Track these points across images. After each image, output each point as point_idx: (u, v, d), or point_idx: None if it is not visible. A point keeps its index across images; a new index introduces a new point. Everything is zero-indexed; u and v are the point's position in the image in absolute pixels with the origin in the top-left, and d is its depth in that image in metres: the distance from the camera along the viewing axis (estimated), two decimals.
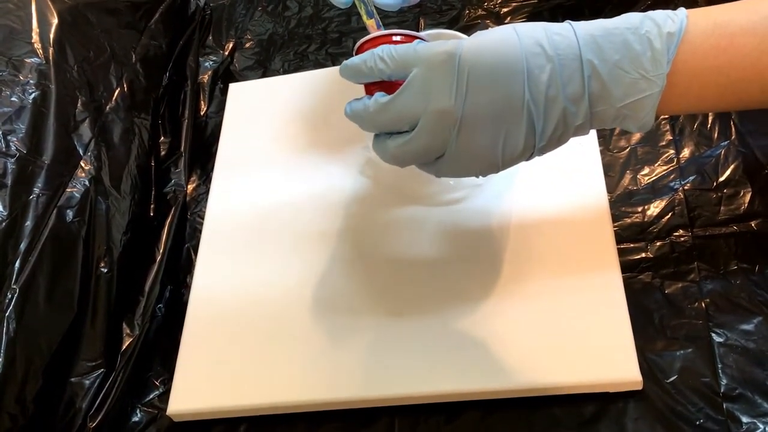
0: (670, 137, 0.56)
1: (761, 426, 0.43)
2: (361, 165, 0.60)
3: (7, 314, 0.48)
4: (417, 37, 0.46)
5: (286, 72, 0.72)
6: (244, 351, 0.53)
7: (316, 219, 0.58)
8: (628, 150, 0.56)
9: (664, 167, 0.55)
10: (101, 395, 0.52)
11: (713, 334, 0.47)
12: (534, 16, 0.67)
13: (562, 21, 0.43)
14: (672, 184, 0.54)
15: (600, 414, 0.46)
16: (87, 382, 0.52)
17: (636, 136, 0.57)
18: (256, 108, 0.68)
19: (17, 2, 0.62)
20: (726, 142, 0.54)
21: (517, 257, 0.52)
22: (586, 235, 0.51)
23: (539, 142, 0.42)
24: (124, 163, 0.62)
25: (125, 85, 0.66)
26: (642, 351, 0.47)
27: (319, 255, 0.56)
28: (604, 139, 0.57)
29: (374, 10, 0.50)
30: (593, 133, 0.56)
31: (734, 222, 0.51)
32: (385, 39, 0.46)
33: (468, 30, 0.65)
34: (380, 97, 0.43)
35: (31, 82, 0.58)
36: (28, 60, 0.59)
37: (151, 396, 0.55)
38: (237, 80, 0.73)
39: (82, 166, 0.58)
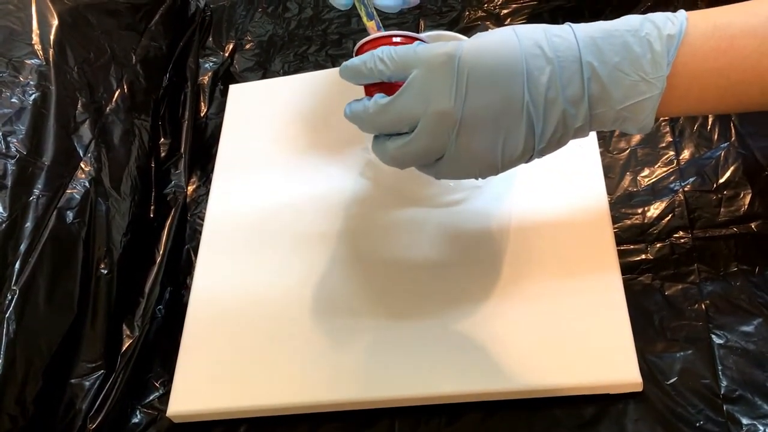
0: (670, 139, 0.56)
1: (761, 428, 0.43)
2: (360, 166, 0.60)
3: (7, 315, 0.48)
4: (417, 39, 0.46)
5: (286, 73, 0.72)
6: (244, 352, 0.53)
7: (316, 220, 0.58)
8: (628, 152, 0.56)
9: (664, 169, 0.55)
10: (101, 396, 0.52)
11: (713, 336, 0.47)
12: (534, 17, 0.67)
13: (562, 23, 0.43)
14: (672, 185, 0.54)
15: (600, 415, 0.46)
16: (87, 383, 0.52)
17: (636, 138, 0.57)
18: (256, 109, 0.68)
19: (17, 3, 0.62)
20: (726, 144, 0.54)
21: (517, 259, 0.52)
22: (586, 236, 0.51)
23: (539, 144, 0.42)
24: (124, 165, 0.62)
25: (125, 87, 0.66)
26: (642, 352, 0.47)
27: (319, 256, 0.56)
28: (604, 140, 0.57)
29: (374, 12, 0.51)
30: (593, 134, 0.56)
31: (734, 223, 0.51)
32: (385, 40, 0.46)
33: (468, 31, 0.65)
34: (380, 98, 0.43)
35: (32, 83, 0.58)
36: (28, 61, 0.59)
37: (151, 397, 0.55)
38: (237, 81, 0.73)
39: (82, 168, 0.58)
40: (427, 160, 0.44)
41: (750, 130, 0.54)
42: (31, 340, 0.49)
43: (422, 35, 0.47)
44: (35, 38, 0.60)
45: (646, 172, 0.55)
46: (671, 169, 0.54)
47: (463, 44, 0.42)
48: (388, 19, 0.69)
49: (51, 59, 0.60)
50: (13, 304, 0.49)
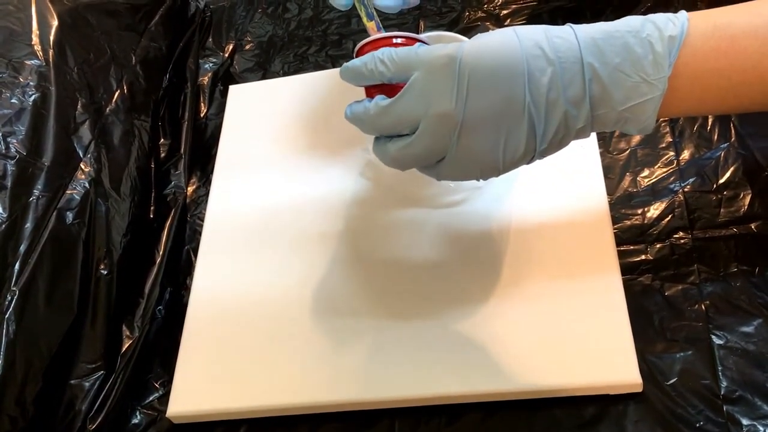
0: (670, 139, 0.56)
1: (761, 428, 0.43)
2: (361, 167, 0.60)
3: (6, 316, 0.48)
4: (417, 40, 0.46)
5: (286, 74, 0.72)
6: (244, 353, 0.53)
7: (316, 221, 0.58)
8: (628, 152, 0.56)
9: (664, 169, 0.55)
10: (101, 397, 0.52)
11: (713, 336, 0.47)
12: (534, 18, 0.67)
13: (562, 23, 0.43)
14: (672, 186, 0.54)
15: (600, 416, 0.46)
16: (87, 384, 0.52)
17: (636, 139, 0.57)
18: (256, 110, 0.68)
19: (17, 4, 0.62)
20: (726, 144, 0.54)
21: (517, 259, 0.52)
22: (586, 237, 0.51)
23: (540, 145, 0.42)
24: (123, 165, 0.62)
25: (125, 87, 0.66)
26: (642, 353, 0.47)
27: (319, 256, 0.56)
28: (604, 141, 0.57)
29: (374, 12, 0.50)
30: (593, 135, 0.56)
31: (734, 224, 0.51)
32: (386, 41, 0.46)
33: (468, 32, 0.65)
34: (381, 100, 0.43)
35: (31, 83, 0.58)
36: (28, 62, 0.59)
37: (150, 398, 0.55)
38: (237, 82, 0.73)
39: (82, 168, 0.58)
40: (428, 161, 0.44)
41: (750, 130, 0.54)
42: (31, 340, 0.49)
43: (422, 36, 0.47)
44: (35, 39, 0.60)
45: (646, 172, 0.55)
46: (671, 170, 0.54)
47: (464, 46, 0.42)
48: (387, 20, 0.69)
49: (51, 60, 0.60)
50: (12, 305, 0.49)
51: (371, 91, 0.45)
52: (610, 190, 0.55)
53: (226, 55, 0.76)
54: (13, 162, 0.53)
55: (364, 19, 0.50)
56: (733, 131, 0.54)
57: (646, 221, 0.53)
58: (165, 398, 0.53)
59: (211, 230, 0.61)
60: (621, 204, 0.54)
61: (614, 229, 0.52)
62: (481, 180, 0.45)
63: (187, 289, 0.59)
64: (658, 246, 0.51)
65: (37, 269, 0.51)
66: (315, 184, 0.60)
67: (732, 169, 0.53)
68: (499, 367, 0.48)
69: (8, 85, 0.56)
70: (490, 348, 0.48)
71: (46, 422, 0.50)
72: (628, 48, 0.40)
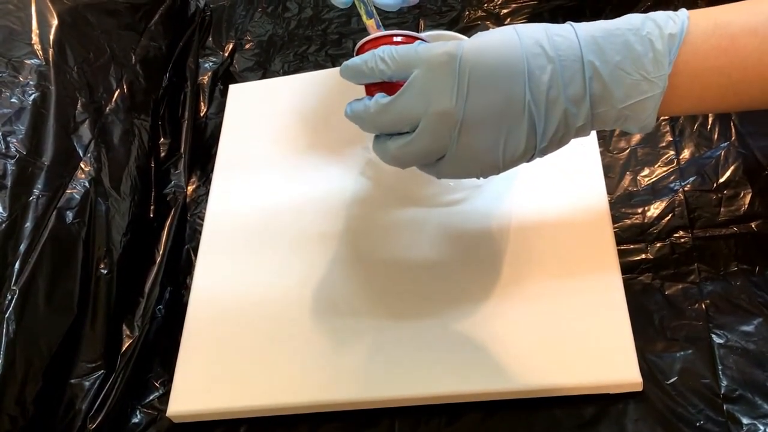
0: (670, 138, 0.56)
1: (761, 427, 0.43)
2: (361, 166, 0.60)
3: (6, 316, 0.48)
4: (418, 38, 0.46)
5: (286, 73, 0.72)
6: (244, 352, 0.53)
7: (317, 220, 0.58)
8: (628, 151, 0.56)
9: (664, 168, 0.55)
10: (101, 397, 0.52)
11: (713, 336, 0.47)
12: (534, 17, 0.67)
13: (563, 22, 0.43)
14: (672, 185, 0.54)
15: (600, 415, 0.46)
16: (87, 383, 0.52)
17: (636, 138, 0.57)
18: (256, 109, 0.68)
19: (17, 3, 0.62)
20: (726, 143, 0.54)
21: (517, 258, 0.52)
22: (586, 236, 0.51)
23: (540, 143, 0.42)
24: (123, 165, 0.62)
25: (125, 87, 0.66)
26: (642, 352, 0.47)
27: (319, 256, 0.56)
28: (604, 140, 0.57)
29: (374, 11, 0.50)
30: (593, 134, 0.56)
31: (734, 223, 0.51)
32: (386, 40, 0.46)
33: (468, 31, 0.65)
34: (381, 98, 0.43)
35: (31, 83, 0.58)
36: (27, 61, 0.59)
37: (151, 397, 0.55)
38: (237, 81, 0.73)
39: (81, 168, 0.58)
40: (428, 159, 0.44)
41: (750, 129, 0.54)
42: (31, 340, 0.49)
43: (422, 35, 0.47)
44: (35, 38, 0.60)
45: (646, 171, 0.55)
46: (671, 169, 0.54)
47: (464, 44, 0.42)
48: (387, 19, 0.69)
49: (51, 59, 0.60)
50: (12, 305, 0.49)
51: (371, 89, 0.45)
52: (611, 189, 0.54)
53: (226, 54, 0.76)
54: (13, 161, 0.53)
55: (364, 18, 0.50)
56: (733, 130, 0.54)
57: (646, 220, 0.53)
58: (165, 397, 0.53)
59: (211, 229, 0.61)
60: (621, 203, 0.54)
61: (614, 228, 0.52)
62: (481, 178, 0.45)
63: (187, 288, 0.59)
64: (658, 245, 0.51)
65: (37, 268, 0.51)
66: (315, 183, 0.60)
67: (732, 168, 0.53)
68: (499, 366, 0.47)
69: (8, 84, 0.56)
70: (490, 347, 0.48)
71: (46, 421, 0.50)
72: (629, 46, 0.40)
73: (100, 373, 0.53)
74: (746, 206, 0.51)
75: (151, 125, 0.67)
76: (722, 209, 0.51)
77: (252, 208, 0.61)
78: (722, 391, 0.45)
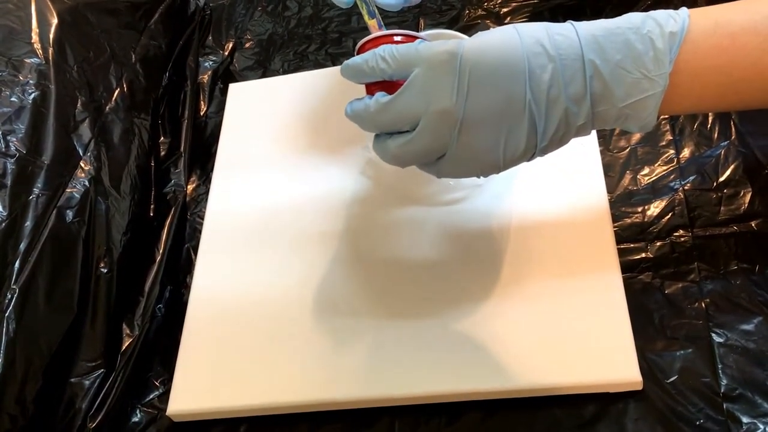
0: (670, 137, 0.56)
1: (761, 426, 0.43)
2: (361, 165, 0.60)
3: (6, 315, 0.48)
4: (418, 38, 0.46)
5: (285, 72, 0.72)
6: (244, 351, 0.53)
7: (317, 219, 0.58)
8: (628, 150, 0.56)
9: (664, 167, 0.55)
10: (101, 396, 0.52)
11: (713, 335, 0.47)
12: (534, 16, 0.67)
13: (563, 21, 0.43)
14: (672, 184, 0.54)
15: (600, 414, 0.46)
16: (87, 382, 0.52)
17: (636, 137, 0.57)
18: (256, 108, 0.68)
19: (17, 2, 0.62)
20: (726, 142, 0.54)
21: (517, 257, 0.52)
22: (586, 235, 0.51)
23: (541, 142, 0.42)
24: (123, 164, 0.62)
25: (125, 86, 0.66)
26: (642, 351, 0.47)
27: (319, 255, 0.56)
28: (604, 139, 0.57)
29: (376, 10, 0.50)
30: (593, 133, 0.56)
31: (734, 222, 0.51)
32: (387, 39, 0.46)
33: (468, 30, 0.65)
34: (381, 96, 0.43)
35: (31, 82, 0.58)
36: (27, 60, 0.59)
37: (150, 396, 0.55)
38: (237, 80, 0.73)
39: (81, 167, 0.58)
40: (428, 158, 0.44)
41: (750, 128, 0.54)
42: (31, 339, 0.49)
43: (423, 34, 0.47)
44: (35, 37, 0.60)
45: (646, 170, 0.55)
46: (671, 168, 0.54)
47: (465, 43, 0.42)
48: (388, 18, 0.69)
49: (50, 58, 0.60)
50: (12, 303, 0.49)
51: (372, 88, 0.45)
52: (611, 188, 0.54)
53: (226, 53, 0.76)
54: (12, 160, 0.53)
55: (366, 17, 0.50)
56: (733, 129, 0.54)
57: (646, 219, 0.53)
58: (165, 396, 0.53)
59: (211, 228, 0.61)
60: (621, 202, 0.54)
61: (614, 227, 0.52)
62: (481, 177, 0.45)
63: (187, 287, 0.59)
64: (658, 244, 0.51)
65: (37, 267, 0.51)
66: (315, 182, 0.60)
67: (732, 167, 0.53)
68: (499, 365, 0.47)
69: (8, 83, 0.56)
70: (490, 346, 0.48)
71: (46, 421, 0.50)
72: (629, 44, 0.40)
73: (100, 372, 0.53)
74: (746, 205, 0.51)
75: (151, 124, 0.67)
76: (722, 208, 0.51)
77: (252, 207, 0.61)
78: (722, 390, 0.45)
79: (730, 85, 0.41)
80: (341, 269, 0.55)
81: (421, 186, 0.57)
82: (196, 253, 0.60)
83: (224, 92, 0.71)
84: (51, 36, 0.61)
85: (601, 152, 0.56)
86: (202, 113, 0.72)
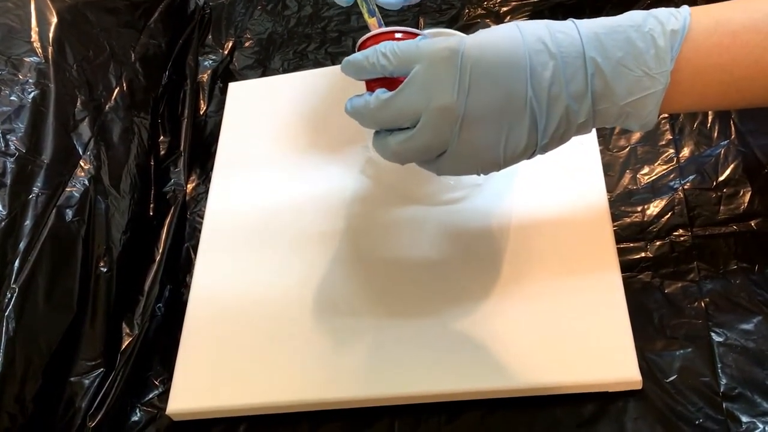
0: (669, 136, 0.56)
1: (761, 425, 0.43)
2: (361, 164, 0.60)
3: (6, 314, 0.48)
4: (419, 35, 0.46)
5: (285, 71, 0.72)
6: (243, 350, 0.53)
7: (317, 219, 0.58)
8: (627, 149, 0.56)
9: (664, 167, 0.55)
10: (101, 395, 0.52)
11: (713, 334, 0.47)
12: (534, 15, 0.67)
13: (563, 20, 0.43)
14: (672, 183, 0.54)
15: (600, 414, 0.46)
16: (86, 381, 0.52)
17: (636, 136, 0.57)
18: (256, 107, 0.68)
19: (16, 1, 0.62)
20: (726, 142, 0.54)
21: (516, 257, 0.52)
22: (586, 234, 0.51)
23: (541, 139, 0.42)
24: (123, 163, 0.62)
25: (125, 85, 0.66)
26: (641, 351, 0.47)
27: (319, 254, 0.56)
28: (604, 138, 0.57)
29: (376, 9, 0.50)
30: (593, 132, 0.56)
31: (734, 221, 0.51)
32: (387, 36, 0.46)
33: (467, 29, 0.65)
34: (381, 93, 0.43)
35: (31, 81, 0.57)
36: (27, 59, 0.59)
37: (150, 395, 0.55)
38: (236, 79, 0.73)
39: (81, 166, 0.58)
40: (428, 155, 0.44)
41: (750, 127, 0.54)
42: (31, 338, 0.49)
43: (424, 32, 0.47)
44: (34, 36, 0.60)
45: (646, 170, 0.55)
46: (671, 167, 0.54)
47: (466, 39, 0.42)
48: (388, 17, 0.69)
49: (50, 57, 0.60)
50: (12, 303, 0.49)
51: (372, 85, 0.45)
52: (610, 188, 0.54)
53: (226, 52, 0.76)
54: (12, 159, 0.53)
55: (366, 16, 0.50)
56: (733, 128, 0.54)
57: (645, 219, 0.53)
58: (165, 396, 0.53)
59: (210, 228, 0.61)
60: (621, 201, 0.54)
61: (614, 226, 0.52)
62: (481, 175, 0.45)
63: (187, 286, 0.59)
64: (657, 243, 0.51)
65: (37, 267, 0.51)
66: (315, 181, 0.60)
67: (732, 166, 0.53)
68: (499, 364, 0.48)
69: (7, 82, 0.56)
70: (490, 346, 0.48)
71: (45, 420, 0.50)
72: (631, 42, 0.40)
73: (99, 371, 0.53)
74: (746, 204, 0.51)
75: (150, 123, 0.67)
76: (722, 207, 0.51)
77: (252, 206, 0.61)
78: (721, 390, 0.45)
79: (732, 83, 0.41)
80: (341, 268, 0.55)
81: (421, 185, 0.57)
82: (195, 253, 0.60)
83: (224, 91, 0.71)
84: (50, 35, 0.61)
85: (601, 151, 0.56)
86: (201, 112, 0.72)
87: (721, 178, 0.53)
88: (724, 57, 0.40)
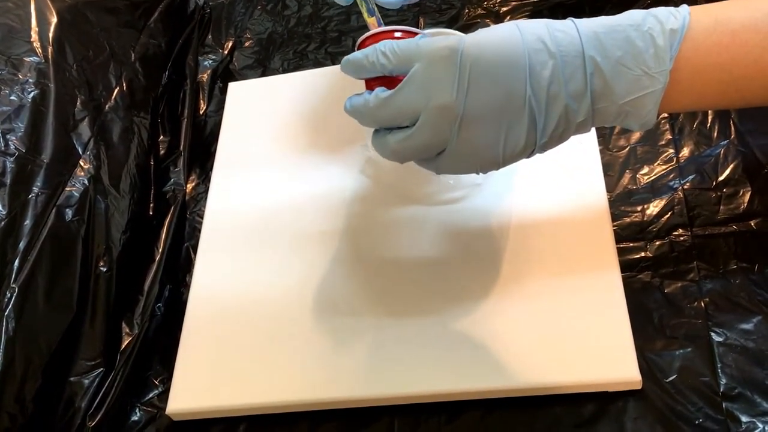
0: (669, 136, 0.56)
1: (760, 425, 0.43)
2: (360, 164, 0.60)
3: (6, 313, 0.48)
4: (419, 34, 0.46)
5: (285, 71, 0.72)
6: (243, 350, 0.53)
7: (316, 218, 0.58)
8: (627, 149, 0.56)
9: (664, 166, 0.55)
10: (100, 394, 0.52)
11: (712, 334, 0.47)
12: (534, 15, 0.67)
13: (563, 19, 0.43)
14: (671, 183, 0.54)
15: (599, 413, 0.46)
16: (86, 381, 0.52)
17: (635, 136, 0.57)
18: (256, 107, 0.68)
19: (16, 1, 0.62)
20: (725, 142, 0.54)
21: (516, 256, 0.52)
22: (586, 234, 0.51)
23: (540, 138, 0.42)
24: (123, 162, 0.62)
25: (124, 84, 0.66)
26: (641, 350, 0.47)
27: (319, 254, 0.56)
28: (604, 138, 0.57)
29: (375, 8, 0.50)
30: (593, 131, 0.56)
31: (734, 221, 0.51)
32: (387, 35, 0.46)
33: (467, 29, 0.65)
34: (381, 92, 0.43)
35: (30, 80, 0.57)
36: (27, 59, 0.59)
37: (150, 395, 0.55)
38: (236, 79, 0.73)
39: (81, 165, 0.58)
40: (428, 154, 0.44)
41: (750, 127, 0.54)
42: (31, 338, 0.49)
43: (423, 32, 0.47)
44: (34, 36, 0.60)
45: (646, 169, 0.55)
46: (671, 167, 0.54)
47: (466, 38, 0.42)
48: (387, 17, 0.69)
49: (50, 57, 0.60)
50: (12, 302, 0.49)
51: (372, 83, 0.45)
52: (610, 188, 0.54)
53: (226, 52, 0.76)
54: (12, 159, 0.53)
55: (365, 15, 0.50)
56: (732, 128, 0.54)
57: (645, 218, 0.53)
58: (164, 395, 0.53)
59: (210, 227, 0.61)
60: (620, 201, 0.54)
61: (614, 226, 0.52)
62: (480, 174, 0.45)
63: (187, 286, 0.59)
64: (657, 243, 0.51)
65: (37, 266, 0.51)
66: (314, 181, 0.60)
67: (732, 166, 0.53)
68: (499, 364, 0.48)
69: (7, 82, 0.56)
70: (490, 345, 0.48)
71: (45, 419, 0.50)
72: (630, 41, 0.40)
73: (99, 371, 0.53)
74: (745, 204, 0.51)
75: (150, 123, 0.67)
76: (721, 207, 0.51)
77: (251, 206, 0.61)
78: (721, 389, 0.45)
79: (731, 83, 0.41)
80: (341, 268, 0.55)
81: (420, 185, 0.57)
82: (195, 252, 0.60)
83: (224, 91, 0.71)
84: (50, 35, 0.61)
85: (601, 151, 0.56)
86: (201, 112, 0.72)
87: (720, 178, 0.53)
88: (724, 56, 0.40)
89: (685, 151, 0.55)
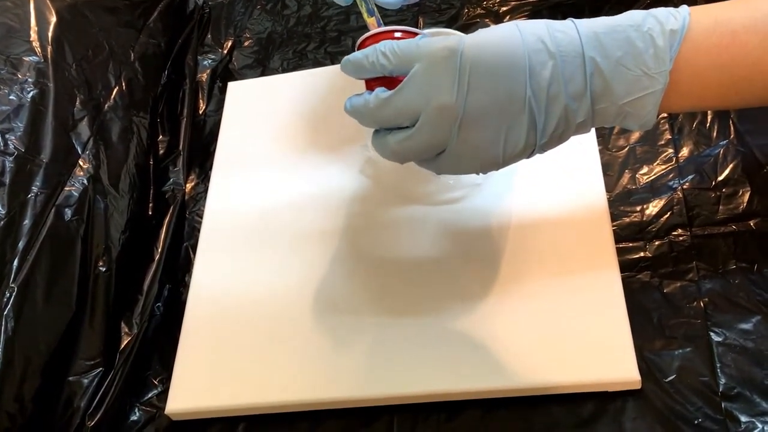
0: (669, 136, 0.56)
1: (760, 425, 0.43)
2: (360, 164, 0.60)
3: (5, 313, 0.48)
4: (419, 34, 0.46)
5: (285, 71, 0.72)
6: (242, 350, 0.53)
7: (316, 218, 0.58)
8: (626, 149, 0.56)
9: (663, 166, 0.55)
10: (99, 394, 0.52)
11: (712, 334, 0.47)
12: (534, 15, 0.67)
13: (562, 20, 0.43)
14: (671, 183, 0.54)
15: (598, 413, 0.46)
16: (85, 381, 0.52)
17: (635, 136, 0.57)
18: (255, 107, 0.68)
19: (16, 0, 0.62)
20: (725, 142, 0.54)
21: (516, 256, 0.52)
22: (585, 234, 0.51)
23: (540, 139, 0.42)
24: (122, 162, 0.62)
25: (124, 84, 0.66)
26: (640, 350, 0.47)
27: (319, 254, 0.56)
28: (603, 138, 0.57)
29: (375, 8, 0.50)
30: (592, 132, 0.56)
31: (733, 221, 0.51)
32: (387, 35, 0.46)
33: (467, 29, 0.65)
34: (381, 92, 0.43)
35: (30, 80, 0.57)
36: (26, 58, 0.59)
37: (149, 395, 0.55)
38: (236, 79, 0.73)
39: (80, 165, 0.58)
40: (428, 154, 0.44)
41: (749, 127, 0.54)
42: (30, 337, 0.49)
43: (423, 32, 0.47)
44: (33, 35, 0.60)
45: (645, 169, 0.55)
46: (670, 167, 0.54)
47: (466, 39, 0.42)
48: (387, 17, 0.69)
49: (49, 56, 0.60)
50: (11, 302, 0.49)
51: (372, 84, 0.45)
52: (609, 188, 0.55)
53: (225, 51, 0.75)
54: (11, 159, 0.53)
55: (365, 15, 0.50)
56: (732, 128, 0.54)
57: (644, 218, 0.53)
58: (164, 395, 0.53)
59: (209, 227, 0.61)
60: (620, 201, 0.54)
61: (613, 226, 0.52)
62: (480, 175, 0.45)
63: (186, 286, 0.59)
64: (656, 243, 0.51)
65: (36, 266, 0.51)
66: (314, 181, 0.60)
67: (731, 166, 0.53)
68: (498, 364, 0.48)
69: (6, 81, 0.56)
70: (489, 345, 0.48)
71: (44, 419, 0.50)
72: (630, 42, 0.40)
73: (98, 370, 0.53)
74: (745, 204, 0.51)
75: (149, 123, 0.67)
76: (721, 207, 0.51)
77: (251, 205, 0.61)
78: (720, 389, 0.45)
79: (731, 84, 0.41)
80: (340, 268, 0.55)
81: (420, 185, 0.57)
82: (194, 252, 0.60)
83: (223, 91, 0.71)
84: (50, 34, 0.61)
85: (600, 151, 0.56)
86: (200, 112, 0.72)
87: (720, 178, 0.53)
88: (723, 57, 0.41)
89: (685, 151, 0.55)
